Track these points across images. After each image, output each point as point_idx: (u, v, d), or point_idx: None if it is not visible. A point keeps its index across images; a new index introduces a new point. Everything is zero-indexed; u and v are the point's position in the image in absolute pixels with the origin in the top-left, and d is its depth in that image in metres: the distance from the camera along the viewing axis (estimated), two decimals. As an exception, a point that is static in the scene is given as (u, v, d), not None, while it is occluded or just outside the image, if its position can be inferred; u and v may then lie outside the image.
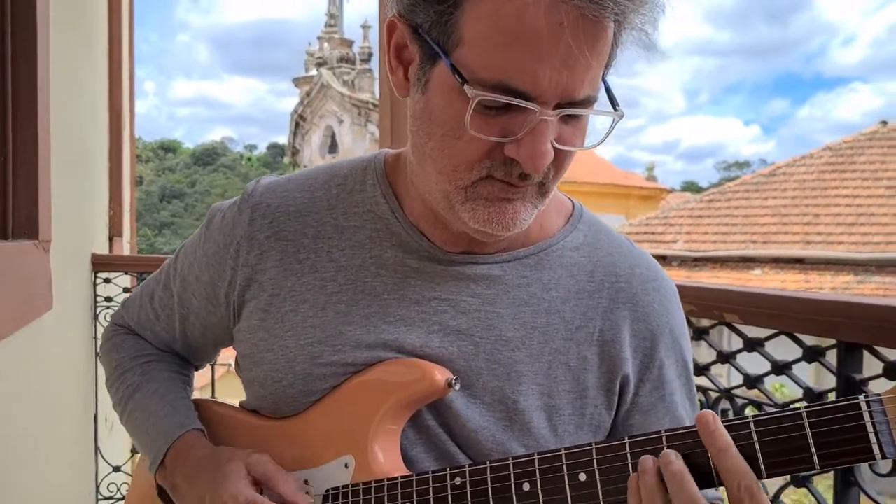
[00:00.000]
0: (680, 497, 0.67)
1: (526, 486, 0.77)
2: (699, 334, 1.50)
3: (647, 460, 0.70)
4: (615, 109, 0.83)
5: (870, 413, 0.64)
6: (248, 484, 0.90)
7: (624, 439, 0.74)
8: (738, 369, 1.42)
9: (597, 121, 0.85)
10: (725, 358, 1.43)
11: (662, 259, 13.20)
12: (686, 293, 1.45)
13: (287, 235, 0.97)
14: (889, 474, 1.15)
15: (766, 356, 1.34)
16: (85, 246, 3.08)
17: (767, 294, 1.32)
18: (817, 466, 0.65)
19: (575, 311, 0.95)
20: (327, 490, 0.91)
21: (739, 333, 1.40)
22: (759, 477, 0.68)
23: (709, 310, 1.42)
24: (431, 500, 0.82)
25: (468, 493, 0.80)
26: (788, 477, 1.31)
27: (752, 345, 1.34)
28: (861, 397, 0.65)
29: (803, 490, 1.31)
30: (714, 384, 1.45)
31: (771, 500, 1.35)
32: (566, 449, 0.76)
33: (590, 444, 0.75)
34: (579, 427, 0.94)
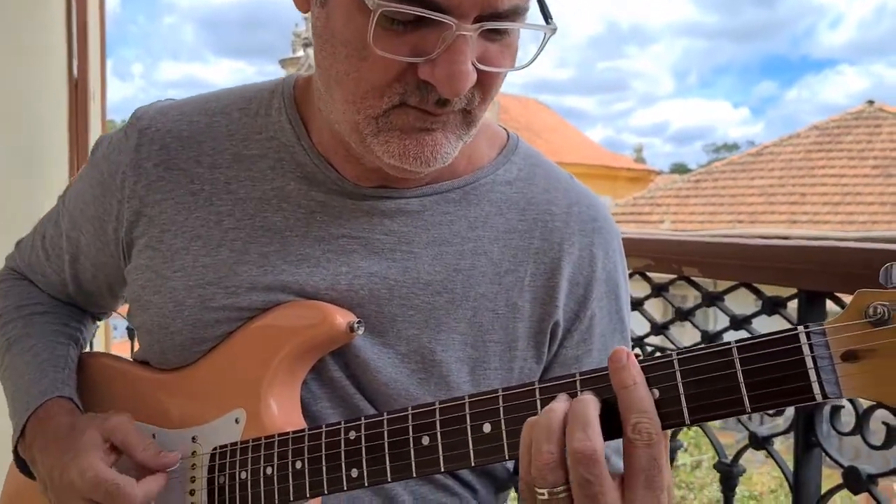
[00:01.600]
0: (573, 444, 0.57)
1: (425, 440, 0.67)
2: (657, 291, 1.41)
3: (556, 403, 0.60)
4: (547, 23, 0.72)
5: (810, 346, 0.54)
6: (104, 455, 0.79)
7: (534, 384, 0.64)
8: (695, 326, 1.32)
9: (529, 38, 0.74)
10: (684, 315, 1.33)
11: (648, 239, 13.11)
12: (643, 246, 1.36)
13: (179, 164, 0.86)
14: (852, 432, 1.06)
15: (724, 310, 1.24)
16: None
17: (726, 243, 1.22)
18: (748, 409, 0.55)
19: (504, 253, 0.85)
20: (215, 448, 0.80)
21: (699, 288, 1.30)
22: (682, 423, 0.57)
23: (667, 263, 1.32)
24: (323, 456, 0.72)
25: (363, 448, 0.70)
26: (748, 439, 1.22)
27: (711, 299, 1.25)
28: (801, 328, 0.54)
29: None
30: (673, 344, 1.36)
31: (730, 462, 1.25)
32: (470, 397, 0.66)
33: (496, 391, 0.65)
34: (506, 382, 0.84)
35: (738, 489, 1.27)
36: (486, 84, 0.73)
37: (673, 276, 1.34)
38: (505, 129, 0.94)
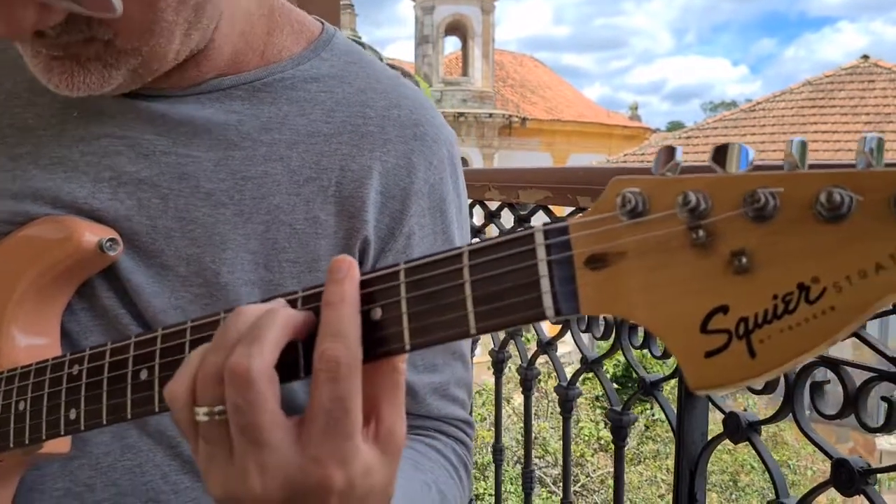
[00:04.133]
0: (228, 359, 0.45)
1: (144, 374, 0.55)
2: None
3: (256, 306, 0.49)
4: None
5: (547, 248, 0.42)
6: None
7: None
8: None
9: None
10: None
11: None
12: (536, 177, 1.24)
13: None
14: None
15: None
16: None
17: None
18: (472, 330, 0.43)
19: (304, 159, 0.72)
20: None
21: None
22: (402, 349, 0.46)
23: (562, 194, 1.21)
24: (45, 395, 0.61)
25: (83, 384, 0.59)
26: (637, 385, 1.11)
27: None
28: (539, 224, 0.42)
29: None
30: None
31: (621, 411, 1.15)
32: (193, 321, 0.54)
33: (218, 314, 0.53)
34: None
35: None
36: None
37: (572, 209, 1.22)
38: (323, 22, 0.81)
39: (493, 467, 1.46)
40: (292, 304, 0.49)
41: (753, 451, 0.94)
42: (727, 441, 0.96)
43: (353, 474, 0.44)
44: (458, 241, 0.78)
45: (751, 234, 0.37)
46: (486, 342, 1.86)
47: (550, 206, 1.32)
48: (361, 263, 0.73)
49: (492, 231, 1.61)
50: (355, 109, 0.75)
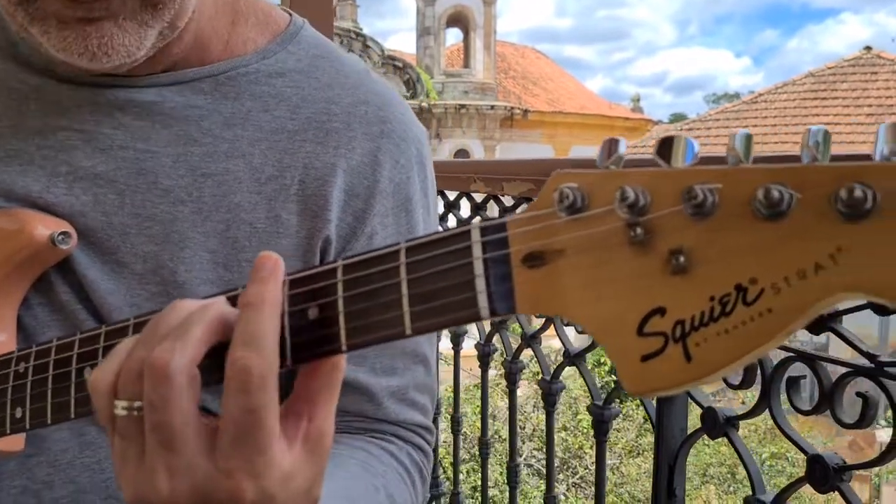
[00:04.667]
0: (149, 353, 0.43)
1: (87, 373, 0.54)
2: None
3: (192, 301, 0.47)
4: None
5: (483, 245, 0.40)
6: None
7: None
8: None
9: None
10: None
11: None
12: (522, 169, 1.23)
13: None
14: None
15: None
16: None
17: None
18: (408, 331, 0.41)
19: (267, 157, 0.71)
20: None
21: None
22: (338, 349, 0.44)
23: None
24: (-9, 394, 0.59)
25: (28, 382, 0.57)
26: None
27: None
28: (477, 221, 0.41)
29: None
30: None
31: (602, 405, 1.13)
32: (136, 318, 0.53)
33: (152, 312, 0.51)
34: None
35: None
36: None
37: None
38: (291, 13, 0.79)
39: (514, 453, 1.44)
40: (233, 301, 0.48)
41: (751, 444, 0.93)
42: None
43: (267, 485, 0.43)
44: None
45: (689, 232, 0.36)
46: (473, 334, 1.84)
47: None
48: (322, 263, 0.72)
49: (477, 224, 1.60)
50: (321, 106, 0.73)
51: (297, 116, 0.72)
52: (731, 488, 6.32)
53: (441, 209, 1.68)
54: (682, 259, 0.36)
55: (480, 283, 0.39)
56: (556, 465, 6.41)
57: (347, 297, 0.44)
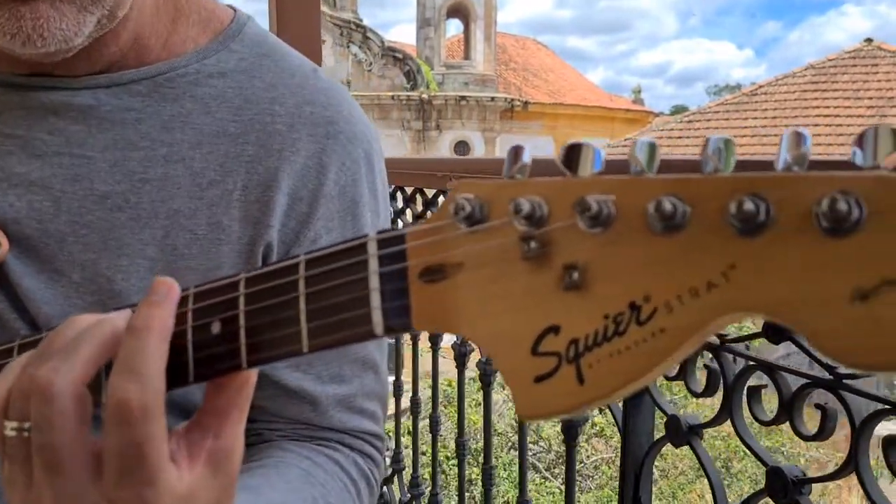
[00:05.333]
0: (35, 369, 0.41)
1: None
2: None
3: (89, 317, 0.45)
4: None
5: (380, 259, 0.38)
6: None
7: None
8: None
9: None
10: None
11: (638, 181, 12.90)
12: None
13: None
14: (676, 377, 0.91)
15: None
16: None
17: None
18: (305, 349, 0.40)
19: (209, 161, 0.69)
20: None
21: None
22: (239, 366, 0.42)
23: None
24: None
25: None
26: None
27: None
28: (373, 233, 0.39)
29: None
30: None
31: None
32: (49, 331, 0.51)
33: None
34: None
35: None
36: None
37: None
38: (235, 10, 0.77)
39: (489, 455, 1.43)
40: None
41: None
42: (721, 427, 0.93)
43: None
44: None
45: (585, 246, 0.34)
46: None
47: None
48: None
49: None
50: (264, 106, 0.71)
51: (239, 118, 0.70)
52: (726, 482, 6.32)
53: (419, 207, 1.66)
54: (575, 275, 0.34)
55: (376, 299, 0.38)
56: (551, 458, 6.41)
57: (249, 312, 0.42)
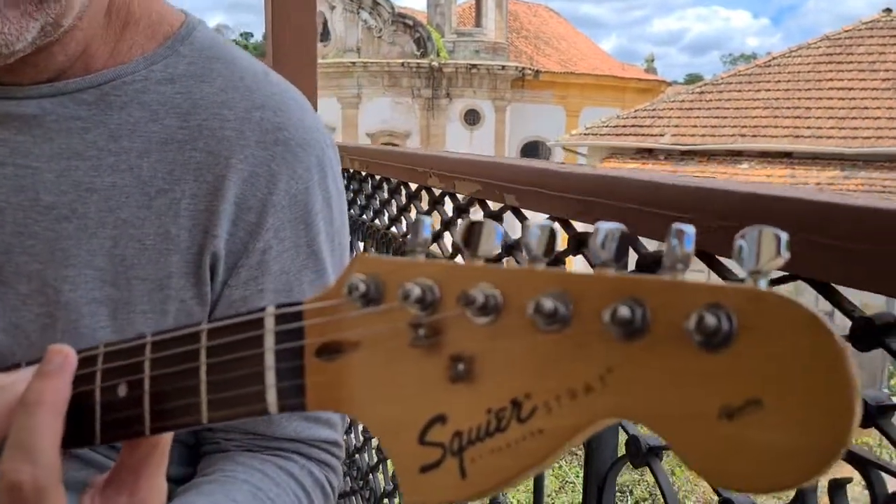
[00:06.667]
0: None
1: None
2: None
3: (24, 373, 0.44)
4: None
5: (276, 335, 0.38)
6: None
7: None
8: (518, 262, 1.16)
9: None
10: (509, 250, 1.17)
11: (648, 152, 12.82)
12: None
13: None
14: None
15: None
16: None
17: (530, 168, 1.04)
18: (204, 420, 0.39)
19: (157, 169, 0.68)
20: None
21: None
22: (142, 434, 0.42)
23: (490, 189, 1.15)
24: None
25: None
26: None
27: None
28: (271, 308, 0.38)
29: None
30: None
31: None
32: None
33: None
34: (160, 326, 0.68)
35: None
36: None
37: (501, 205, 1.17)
38: (186, 13, 0.76)
39: None
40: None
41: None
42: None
43: None
44: (326, 256, 0.74)
45: (472, 338, 0.33)
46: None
47: (488, 200, 1.26)
48: (212, 281, 0.70)
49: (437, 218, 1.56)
50: (213, 111, 0.70)
51: (187, 125, 0.69)
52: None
53: (403, 200, 1.65)
54: (461, 367, 0.33)
55: (271, 377, 0.37)
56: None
57: (153, 378, 0.41)
